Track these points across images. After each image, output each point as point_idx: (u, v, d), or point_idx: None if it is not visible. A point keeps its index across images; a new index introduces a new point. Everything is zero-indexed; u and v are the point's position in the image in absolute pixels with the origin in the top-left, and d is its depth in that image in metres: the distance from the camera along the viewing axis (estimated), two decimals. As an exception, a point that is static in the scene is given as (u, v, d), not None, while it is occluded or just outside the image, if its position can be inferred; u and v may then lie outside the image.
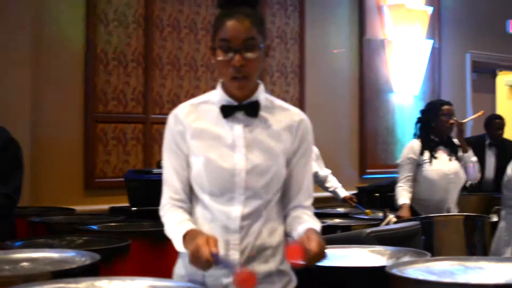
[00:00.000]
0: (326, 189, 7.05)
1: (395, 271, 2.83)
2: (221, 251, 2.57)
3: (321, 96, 8.53)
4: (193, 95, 7.22)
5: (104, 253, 3.38)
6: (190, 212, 2.74)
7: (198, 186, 2.70)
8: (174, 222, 2.65)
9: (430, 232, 5.12)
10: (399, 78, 9.20)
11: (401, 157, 6.28)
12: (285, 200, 2.81)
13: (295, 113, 2.81)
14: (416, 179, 6.15)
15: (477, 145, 8.15)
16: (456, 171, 6.18)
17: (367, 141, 8.96)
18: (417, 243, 4.39)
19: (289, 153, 2.75)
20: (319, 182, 7.00)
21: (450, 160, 6.19)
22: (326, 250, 2.53)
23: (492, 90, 11.27)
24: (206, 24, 7.55)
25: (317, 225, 2.72)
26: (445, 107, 6.16)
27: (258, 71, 2.69)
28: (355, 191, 8.15)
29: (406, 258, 3.37)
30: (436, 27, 9.87)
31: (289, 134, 2.75)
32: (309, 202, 2.82)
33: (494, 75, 11.37)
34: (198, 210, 2.72)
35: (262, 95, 2.76)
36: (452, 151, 6.23)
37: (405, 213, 5.87)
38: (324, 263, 3.29)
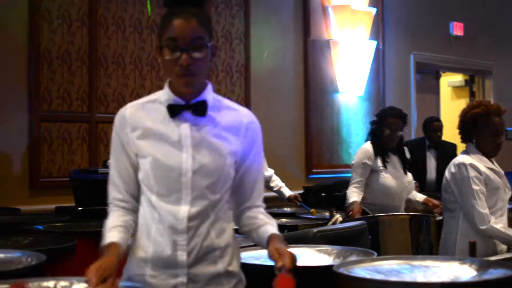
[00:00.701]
0: (270, 188, 7.07)
1: (342, 270, 2.84)
2: (168, 252, 2.62)
3: (266, 96, 8.54)
4: (138, 94, 7.21)
5: (50, 254, 3.36)
6: (135, 210, 2.73)
7: (146, 186, 2.68)
8: (107, 227, 2.65)
9: (377, 231, 5.16)
10: (344, 78, 9.26)
11: (355, 159, 6.32)
12: (238, 200, 2.83)
13: (244, 114, 2.81)
14: (369, 185, 6.19)
15: (418, 148, 8.26)
16: (410, 179, 6.28)
17: (312, 141, 8.99)
18: (364, 242, 4.42)
19: (238, 154, 2.75)
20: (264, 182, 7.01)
21: (403, 167, 6.27)
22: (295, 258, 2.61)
23: (435, 91, 11.40)
24: (151, 23, 7.50)
25: (275, 226, 2.77)
26: (391, 119, 6.22)
27: (205, 70, 2.68)
28: (301, 191, 8.18)
29: (353, 258, 3.39)
30: (380, 28, 9.95)
31: (237, 135, 2.75)
32: (261, 201, 2.85)
33: (437, 76, 11.49)
34: (147, 210, 2.69)
35: (210, 94, 2.74)
36: (403, 157, 6.30)
37: (356, 209, 5.90)
38: (270, 262, 3.30)
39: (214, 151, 2.67)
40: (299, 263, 3.39)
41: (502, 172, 4.76)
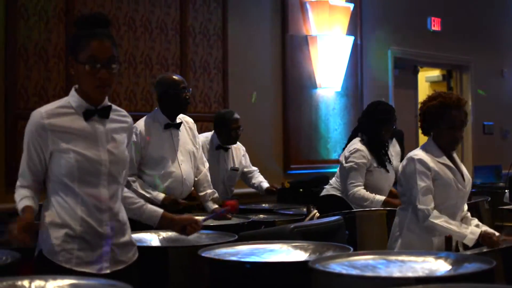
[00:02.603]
0: (252, 185, 7.07)
1: (318, 265, 2.85)
2: (96, 228, 3.22)
3: (244, 92, 8.53)
4: (115, 90, 7.18)
5: (25, 252, 3.36)
6: (38, 192, 3.31)
7: (67, 177, 3.21)
8: (19, 198, 3.27)
9: (353, 226, 5.17)
10: (322, 74, 9.26)
11: (351, 162, 6.16)
12: None
13: (126, 114, 3.50)
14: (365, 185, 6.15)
15: (397, 139, 8.27)
16: (392, 176, 6.27)
17: (290, 137, 8.99)
18: (341, 237, 4.43)
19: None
20: (247, 179, 7.05)
21: (388, 162, 6.27)
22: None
23: (413, 86, 11.43)
24: (128, 20, 7.47)
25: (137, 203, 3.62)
26: (385, 116, 6.22)
27: (114, 83, 3.34)
28: (279, 187, 8.19)
29: (329, 253, 3.40)
30: (358, 23, 9.96)
31: (125, 130, 3.45)
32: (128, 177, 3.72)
33: (415, 71, 11.52)
34: (70, 196, 3.23)
35: (107, 102, 3.36)
36: (386, 154, 6.30)
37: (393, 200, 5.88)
38: (248, 258, 3.30)
39: (119, 144, 3.35)
40: (276, 259, 3.41)
41: (460, 168, 4.66)
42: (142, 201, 3.64)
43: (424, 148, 4.59)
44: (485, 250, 3.98)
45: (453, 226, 4.40)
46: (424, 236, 4.49)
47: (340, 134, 9.45)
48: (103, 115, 3.32)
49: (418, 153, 4.55)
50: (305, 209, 6.14)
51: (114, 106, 3.42)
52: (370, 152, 6.13)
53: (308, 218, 5.60)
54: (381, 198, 5.89)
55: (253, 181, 7.05)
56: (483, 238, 4.34)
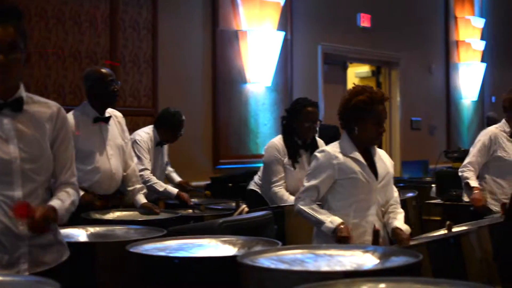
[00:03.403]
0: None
1: (246, 260, 2.85)
2: (12, 229, 3.04)
3: (174, 87, 8.48)
4: (43, 83, 7.07)
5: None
6: None
7: None
8: None
9: (282, 221, 5.18)
10: (252, 69, 9.26)
11: (266, 157, 6.23)
12: (52, 178, 3.27)
13: (53, 105, 3.25)
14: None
15: (330, 134, 8.31)
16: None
17: (220, 132, 8.96)
18: (269, 232, 4.44)
19: (51, 139, 3.19)
20: None
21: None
22: (50, 222, 3.01)
23: (343, 81, 11.50)
24: (57, 12, 7.34)
25: (66, 202, 3.19)
26: (309, 108, 6.12)
27: (19, 71, 3.11)
28: (208, 182, 8.17)
29: (257, 248, 3.40)
30: (288, 19, 9.98)
31: (50, 123, 3.19)
32: (73, 179, 3.31)
33: (345, 67, 11.61)
34: None
35: (23, 93, 3.15)
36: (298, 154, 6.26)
37: None
38: (176, 253, 3.29)
39: (35, 139, 3.12)
40: (204, 253, 3.39)
41: (374, 163, 4.65)
42: None
43: (340, 143, 4.55)
44: (412, 243, 4.03)
45: (317, 213, 4.44)
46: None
47: (269, 129, 9.47)
48: (14, 109, 3.10)
49: (326, 147, 4.58)
50: (234, 204, 6.14)
51: (33, 98, 3.21)
52: (287, 150, 6.14)
53: (237, 213, 5.62)
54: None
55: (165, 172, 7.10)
56: (393, 234, 4.39)
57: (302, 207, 4.47)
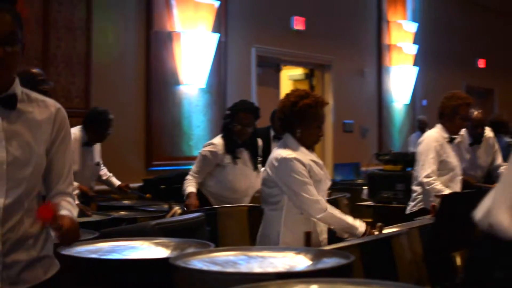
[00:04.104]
0: (99, 179, 7.03)
1: (179, 262, 2.85)
2: None
3: (107, 88, 8.41)
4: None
5: None
6: None
7: None
8: None
9: (215, 223, 5.18)
10: (186, 71, 9.24)
11: (202, 150, 6.31)
12: (46, 187, 2.92)
13: (51, 104, 2.91)
14: (216, 179, 6.20)
15: (264, 137, 8.36)
16: (256, 177, 6.29)
17: (153, 133, 8.92)
18: (202, 234, 4.43)
19: (49, 142, 2.86)
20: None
21: (252, 164, 6.29)
22: (78, 231, 2.79)
23: (276, 84, 11.56)
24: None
25: (74, 212, 2.88)
26: (241, 114, 6.20)
27: (16, 65, 2.77)
28: (141, 184, 8.13)
29: (190, 249, 3.39)
30: (223, 21, 9.98)
31: (48, 125, 2.85)
32: (70, 189, 2.96)
33: (278, 70, 11.66)
34: None
35: (18, 88, 2.81)
36: (255, 153, 6.32)
37: (192, 200, 5.91)
38: (109, 255, 3.27)
39: (26, 143, 2.76)
40: (137, 256, 3.38)
41: (322, 163, 4.79)
42: None
43: (291, 147, 4.61)
44: (343, 245, 4.07)
45: (345, 217, 4.58)
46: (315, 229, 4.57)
47: (203, 131, 9.46)
48: (6, 106, 2.75)
49: (289, 153, 4.58)
50: (166, 206, 6.13)
51: (30, 95, 2.87)
52: (226, 148, 6.20)
53: (169, 214, 5.60)
54: (189, 190, 6.05)
55: (100, 173, 7.04)
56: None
57: (333, 212, 4.57)
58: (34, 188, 2.83)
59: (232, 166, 6.18)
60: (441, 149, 6.27)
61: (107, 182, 7.13)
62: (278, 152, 4.63)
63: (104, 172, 7.14)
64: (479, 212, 2.21)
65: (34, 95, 2.89)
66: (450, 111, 6.37)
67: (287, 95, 4.74)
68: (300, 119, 4.60)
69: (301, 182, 4.50)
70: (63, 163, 2.93)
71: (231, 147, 6.19)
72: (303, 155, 4.59)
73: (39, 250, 2.84)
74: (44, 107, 2.87)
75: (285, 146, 4.64)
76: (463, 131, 7.48)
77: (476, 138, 7.52)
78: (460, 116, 6.36)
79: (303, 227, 4.45)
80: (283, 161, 4.54)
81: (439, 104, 6.50)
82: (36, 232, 2.81)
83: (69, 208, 2.87)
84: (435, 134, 6.38)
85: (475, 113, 7.50)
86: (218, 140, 6.26)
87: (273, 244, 4.57)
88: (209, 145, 6.26)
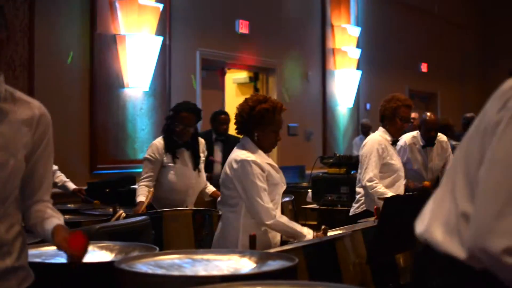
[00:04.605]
0: (54, 184, 6.95)
1: (123, 266, 2.83)
2: None
3: (51, 90, 8.32)
4: None
5: None
6: None
7: None
8: None
9: (160, 226, 5.17)
10: (130, 73, 9.19)
11: (146, 154, 6.34)
12: (26, 194, 2.77)
13: (36, 106, 2.74)
14: (158, 179, 6.22)
15: (205, 140, 8.36)
16: (196, 177, 6.33)
17: (97, 137, 8.86)
18: (147, 237, 4.42)
19: (29, 147, 2.68)
20: None
21: (192, 164, 6.32)
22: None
23: (221, 87, 11.57)
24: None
25: (61, 219, 2.78)
26: (183, 113, 6.26)
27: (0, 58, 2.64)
28: (85, 187, 8.06)
29: (135, 253, 3.38)
30: (167, 24, 9.96)
31: (29, 128, 2.67)
32: (49, 196, 2.83)
33: (223, 73, 11.67)
34: None
35: (1, 86, 2.65)
36: (196, 154, 6.35)
37: (139, 210, 5.92)
38: (53, 260, 3.23)
39: (5, 145, 2.58)
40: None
41: (277, 167, 4.87)
42: None
43: (248, 149, 4.69)
44: (287, 247, 4.09)
45: (293, 225, 4.64)
46: (262, 235, 4.58)
47: (147, 134, 9.42)
48: None
49: (248, 155, 4.64)
50: (111, 209, 6.10)
51: (15, 94, 2.70)
52: (166, 148, 6.24)
53: (114, 218, 5.57)
54: (139, 199, 6.08)
55: (56, 180, 6.97)
56: None
57: (281, 220, 4.62)
58: (11, 193, 2.65)
59: (171, 167, 6.23)
60: (384, 152, 6.33)
61: (62, 187, 7.07)
62: (237, 154, 4.72)
63: (60, 178, 7.08)
64: (418, 226, 2.29)
65: (19, 94, 2.73)
66: (390, 113, 6.44)
67: (247, 99, 4.87)
68: (257, 123, 4.72)
69: (256, 186, 4.55)
70: (45, 170, 2.79)
71: (171, 147, 6.23)
72: (261, 158, 4.67)
73: (14, 259, 2.67)
74: (28, 109, 2.70)
75: (243, 148, 4.72)
76: (416, 133, 7.60)
77: (429, 141, 7.63)
78: (400, 117, 6.44)
79: (260, 232, 4.50)
80: (242, 163, 4.61)
81: (380, 107, 6.58)
82: (12, 239, 2.66)
83: (58, 217, 2.80)
84: (377, 137, 6.44)
85: (428, 116, 7.62)
86: (158, 140, 6.32)
87: (232, 247, 4.61)
88: (150, 147, 6.32)
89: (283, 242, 4.82)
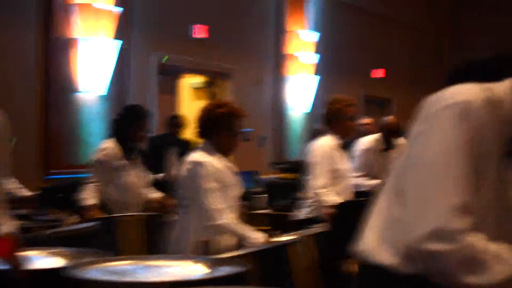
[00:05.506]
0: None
1: (75, 272, 2.83)
2: None
3: (3, 93, 8.21)
4: None
5: None
6: None
7: None
8: None
9: (113, 231, 5.16)
10: (85, 77, 9.13)
11: (95, 157, 6.28)
12: None
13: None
14: (110, 182, 6.20)
15: (161, 144, 8.37)
16: (144, 177, 6.33)
17: (51, 141, 8.79)
18: (100, 243, 4.42)
19: None
20: None
21: (141, 166, 6.32)
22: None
23: (176, 91, 11.56)
24: None
25: (11, 226, 2.84)
26: (146, 119, 6.31)
27: None
28: (38, 192, 8.00)
29: (87, 259, 3.38)
30: (125, 28, 9.91)
31: None
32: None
33: (179, 77, 11.66)
34: None
35: None
36: (144, 155, 6.37)
37: (94, 213, 5.89)
38: (3, 266, 3.22)
39: None
40: (33, 266, 3.34)
41: (235, 170, 4.93)
42: None
43: (206, 152, 4.76)
44: (239, 253, 4.12)
45: (241, 226, 4.68)
46: (215, 239, 4.62)
47: (102, 138, 9.36)
48: None
49: (202, 156, 4.72)
50: (64, 215, 6.08)
51: None
52: (120, 150, 6.22)
53: (66, 223, 5.55)
54: (90, 203, 6.02)
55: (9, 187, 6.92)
56: None
57: (228, 221, 4.65)
58: None
59: (126, 170, 6.21)
60: (332, 157, 6.29)
61: (15, 194, 6.99)
62: (192, 156, 4.80)
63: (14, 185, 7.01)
64: (361, 245, 2.34)
65: None
66: (337, 114, 6.40)
67: (207, 104, 4.99)
68: (214, 127, 4.80)
69: (206, 188, 4.61)
70: None
71: (126, 150, 6.21)
72: (217, 160, 4.72)
73: None
74: None
75: (202, 150, 4.80)
76: (378, 136, 7.64)
77: (390, 144, 7.68)
78: (347, 117, 6.40)
79: (212, 234, 4.54)
80: (194, 164, 4.69)
81: (325, 112, 6.57)
82: None
83: (7, 224, 2.81)
84: (325, 142, 6.39)
85: (390, 119, 7.68)
86: (109, 143, 6.27)
87: (184, 250, 4.64)
88: (101, 150, 6.27)
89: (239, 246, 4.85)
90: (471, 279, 2.02)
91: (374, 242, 2.27)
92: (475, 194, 2.09)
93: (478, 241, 2.03)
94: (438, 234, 2.00)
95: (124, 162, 6.22)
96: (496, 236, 2.09)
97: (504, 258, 2.04)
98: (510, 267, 2.04)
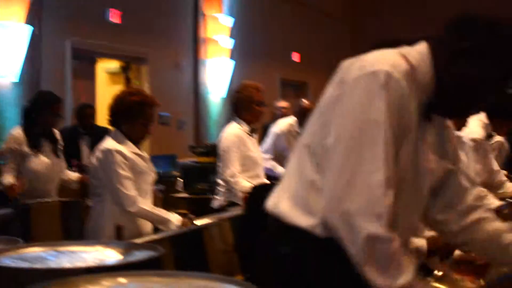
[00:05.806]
0: None
1: (-14, 260, 2.81)
2: None
3: None
4: None
5: None
6: None
7: None
8: None
9: (27, 218, 5.12)
10: (-4, 63, 8.99)
11: (5, 145, 6.22)
12: None
13: None
14: (21, 170, 6.14)
15: (71, 135, 8.26)
16: (58, 164, 6.30)
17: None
18: (12, 230, 4.38)
19: None
20: None
21: (54, 152, 6.27)
22: None
23: (92, 77, 11.46)
24: None
25: None
26: (56, 105, 6.29)
27: None
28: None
29: (-2, 246, 3.35)
30: (37, 13, 9.76)
31: None
32: None
33: (94, 62, 11.55)
34: None
35: None
36: (54, 143, 6.32)
37: (16, 186, 5.86)
38: None
39: None
40: None
41: (147, 156, 4.94)
42: None
43: (116, 140, 4.75)
44: (154, 238, 4.14)
45: (157, 211, 4.77)
46: (130, 223, 4.63)
47: (15, 124, 9.21)
48: None
49: (113, 144, 4.72)
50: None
51: None
52: (27, 138, 6.15)
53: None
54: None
55: None
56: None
57: (143, 206, 4.75)
58: None
59: (35, 156, 6.16)
60: (242, 144, 6.32)
61: None
62: (103, 144, 4.84)
63: None
64: (268, 202, 2.43)
65: None
66: (244, 101, 6.43)
67: (119, 91, 5.03)
68: (125, 115, 4.83)
69: (119, 174, 4.62)
70: None
71: (34, 137, 6.17)
72: (128, 148, 4.73)
73: None
74: None
75: (112, 138, 4.79)
76: (293, 121, 7.71)
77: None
78: (256, 103, 6.45)
79: (127, 220, 4.55)
80: (105, 152, 4.71)
81: (232, 98, 6.61)
82: None
83: None
84: (234, 130, 6.41)
85: (306, 103, 7.75)
86: (17, 130, 6.23)
87: (101, 236, 4.65)
88: (11, 137, 6.25)
89: (156, 230, 4.88)
90: (376, 276, 2.11)
91: (287, 205, 2.33)
92: (395, 166, 2.15)
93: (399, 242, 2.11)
94: (367, 212, 2.07)
95: (33, 149, 6.17)
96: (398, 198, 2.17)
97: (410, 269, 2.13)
98: (412, 276, 2.13)
